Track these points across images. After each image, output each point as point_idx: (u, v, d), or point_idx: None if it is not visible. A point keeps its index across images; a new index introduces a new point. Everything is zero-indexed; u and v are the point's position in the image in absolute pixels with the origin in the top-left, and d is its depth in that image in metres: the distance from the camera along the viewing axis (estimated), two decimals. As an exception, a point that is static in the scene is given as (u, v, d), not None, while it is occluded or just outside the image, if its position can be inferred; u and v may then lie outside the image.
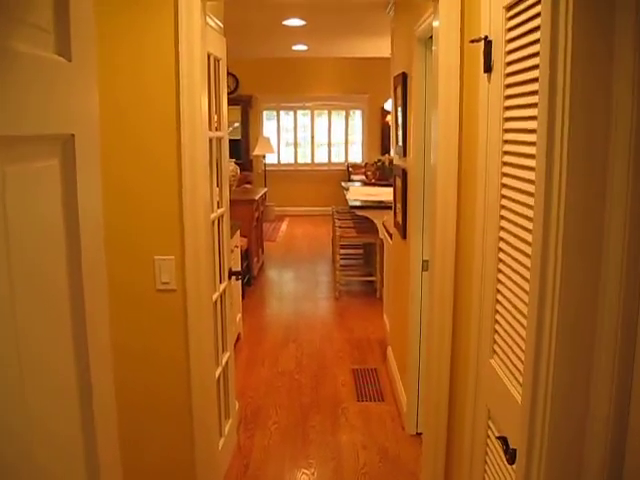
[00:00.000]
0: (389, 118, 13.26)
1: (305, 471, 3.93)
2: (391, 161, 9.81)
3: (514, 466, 1.78)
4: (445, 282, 2.85)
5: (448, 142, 2.79)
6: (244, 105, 14.39)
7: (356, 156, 14.98)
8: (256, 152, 13.58)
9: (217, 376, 3.50)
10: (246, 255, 7.99)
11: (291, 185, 14.79)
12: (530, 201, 1.74)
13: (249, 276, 8.20)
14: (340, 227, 8.03)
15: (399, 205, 4.60)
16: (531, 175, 1.73)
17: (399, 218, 4.64)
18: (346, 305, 7.44)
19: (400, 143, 4.58)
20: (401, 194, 4.44)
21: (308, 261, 10.06)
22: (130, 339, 2.85)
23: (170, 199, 2.68)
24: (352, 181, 11.84)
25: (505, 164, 2.06)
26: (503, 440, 1.87)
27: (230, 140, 11.39)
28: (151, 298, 2.77)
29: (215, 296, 3.42)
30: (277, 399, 4.92)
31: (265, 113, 15.01)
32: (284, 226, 13.43)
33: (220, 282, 3.69)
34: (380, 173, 9.77)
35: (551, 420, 1.36)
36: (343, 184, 10.30)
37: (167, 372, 2.88)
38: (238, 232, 6.07)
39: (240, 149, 14.12)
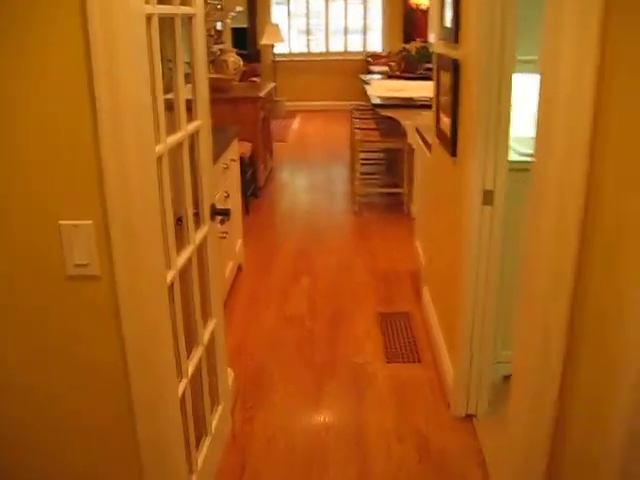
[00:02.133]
0: (415, 0, 11.75)
1: None
2: (419, 49, 8.47)
3: None
4: (566, 214, 1.71)
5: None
6: (250, -12, 12.85)
7: (375, 45, 13.49)
8: (264, 41, 12.17)
9: (183, 389, 2.37)
10: (251, 162, 6.82)
11: (303, 77, 13.41)
12: None
13: (254, 187, 7.06)
14: (360, 129, 6.79)
15: (446, 110, 3.39)
16: None
17: (445, 127, 3.44)
18: (367, 222, 6.31)
19: (448, 24, 3.33)
20: (450, 95, 3.23)
21: (323, 166, 8.88)
22: (32, 359, 1.74)
23: (77, 120, 1.51)
24: (372, 73, 10.46)
25: None
26: None
27: (234, 28, 10.04)
28: (59, 291, 1.62)
29: (177, 268, 2.28)
30: (284, 358, 3.86)
31: (273, -4, 13.47)
32: (296, 123, 12.16)
33: (196, 229, 2.57)
34: (406, 64, 8.42)
35: None
36: (363, 77, 8.97)
37: (97, 398, 1.78)
38: (235, 141, 4.89)
39: (246, 38, 12.67)
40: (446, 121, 3.38)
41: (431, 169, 4.12)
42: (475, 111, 2.82)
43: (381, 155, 8.09)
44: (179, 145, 2.29)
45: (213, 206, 2.71)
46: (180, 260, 2.27)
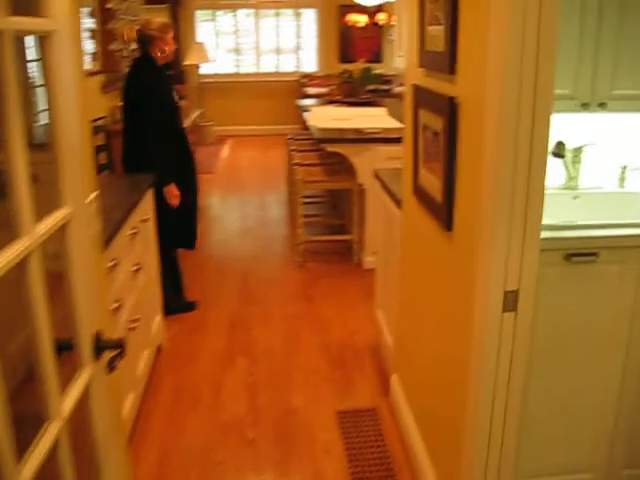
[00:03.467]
0: (351, 17, 10.93)
1: None
2: (362, 71, 7.62)
3: None
4: None
5: None
6: (172, 4, 11.78)
7: (309, 65, 12.61)
8: (188, 61, 11.14)
9: None
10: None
11: (233, 100, 12.41)
12: None
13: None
14: (300, 165, 5.84)
15: (434, 166, 2.47)
16: None
17: (431, 188, 2.52)
18: (314, 277, 5.34)
19: (436, 47, 2.41)
20: (442, 147, 2.32)
21: (258, 202, 7.90)
22: None
23: None
24: (308, 96, 9.57)
25: None
26: None
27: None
28: None
29: None
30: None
31: (199, 14, 12.44)
32: (226, 151, 11.15)
33: (69, 382, 1.57)
34: (348, 88, 7.55)
35: None
36: (300, 103, 8.05)
37: None
38: (149, 193, 3.85)
39: (169, 58, 11.60)
40: (434, 182, 2.46)
41: (405, 233, 3.19)
42: (494, 174, 1.91)
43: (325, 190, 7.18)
44: (23, 261, 1.30)
45: (98, 337, 1.72)
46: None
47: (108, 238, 2.67)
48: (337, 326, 4.44)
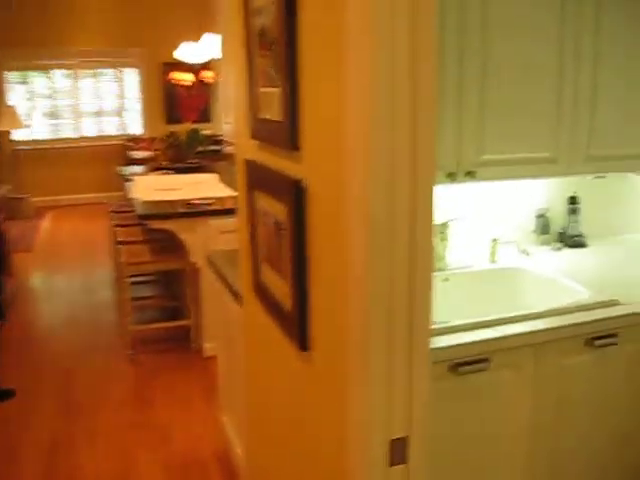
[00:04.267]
0: (176, 76, 10.39)
1: None
2: (190, 134, 7.08)
3: None
4: None
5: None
6: (-23, 66, 10.82)
7: (134, 127, 11.91)
8: (-2, 128, 10.17)
9: None
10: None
11: (52, 168, 11.42)
12: None
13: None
14: (124, 243, 5.16)
15: (280, 266, 1.94)
16: None
17: (277, 291, 1.99)
18: (148, 373, 4.63)
19: (272, 115, 1.91)
20: (289, 237, 1.80)
21: (82, 284, 7.05)
22: None
23: None
24: (134, 162, 8.88)
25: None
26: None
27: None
28: None
29: None
30: None
31: (9, 75, 11.45)
32: (46, 224, 10.15)
33: None
34: (174, 152, 6.96)
35: None
36: (121, 171, 7.34)
37: None
38: None
39: (-26, 125, 10.55)
40: (280, 284, 1.93)
41: (249, 337, 2.63)
42: (364, 279, 1.40)
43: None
44: None
45: None
46: None
47: None
48: (179, 433, 3.78)
